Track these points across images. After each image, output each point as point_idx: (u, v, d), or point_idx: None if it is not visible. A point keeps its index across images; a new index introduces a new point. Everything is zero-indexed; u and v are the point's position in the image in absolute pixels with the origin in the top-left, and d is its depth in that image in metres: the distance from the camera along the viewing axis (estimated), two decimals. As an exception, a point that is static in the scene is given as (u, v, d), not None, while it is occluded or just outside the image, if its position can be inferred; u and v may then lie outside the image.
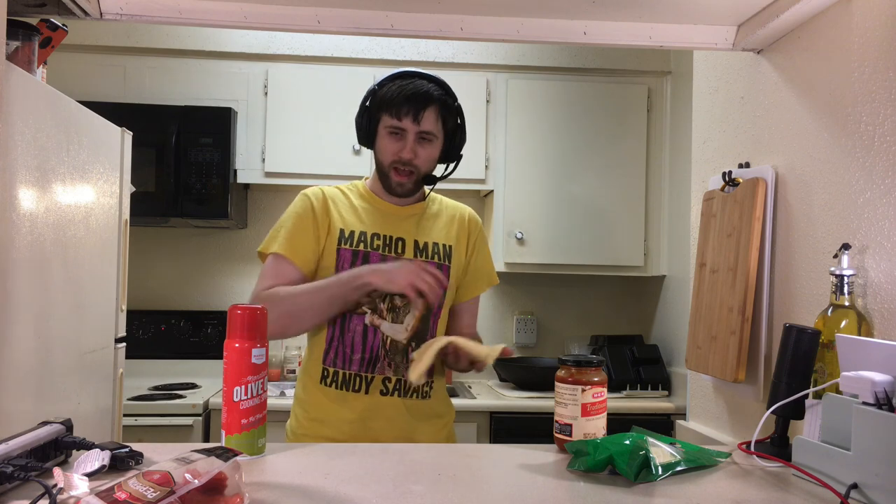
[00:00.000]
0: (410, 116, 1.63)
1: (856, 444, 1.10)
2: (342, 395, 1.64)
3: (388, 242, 1.68)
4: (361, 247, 1.66)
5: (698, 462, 1.29)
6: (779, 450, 1.36)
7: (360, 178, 1.83)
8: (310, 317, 1.62)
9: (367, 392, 1.64)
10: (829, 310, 1.37)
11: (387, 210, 1.72)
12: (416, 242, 1.70)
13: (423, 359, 1.55)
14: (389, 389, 1.65)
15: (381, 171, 1.70)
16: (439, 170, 1.76)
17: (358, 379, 1.64)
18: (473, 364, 1.61)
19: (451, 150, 1.74)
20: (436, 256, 1.72)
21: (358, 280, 1.57)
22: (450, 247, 1.75)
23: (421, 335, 1.67)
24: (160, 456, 1.18)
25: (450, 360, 1.64)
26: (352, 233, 1.67)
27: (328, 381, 1.66)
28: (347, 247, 1.65)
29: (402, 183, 1.68)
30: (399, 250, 1.68)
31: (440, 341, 1.57)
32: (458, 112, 1.73)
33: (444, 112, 1.68)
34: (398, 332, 1.65)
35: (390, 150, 1.66)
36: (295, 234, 1.65)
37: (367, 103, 1.69)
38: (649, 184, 3.31)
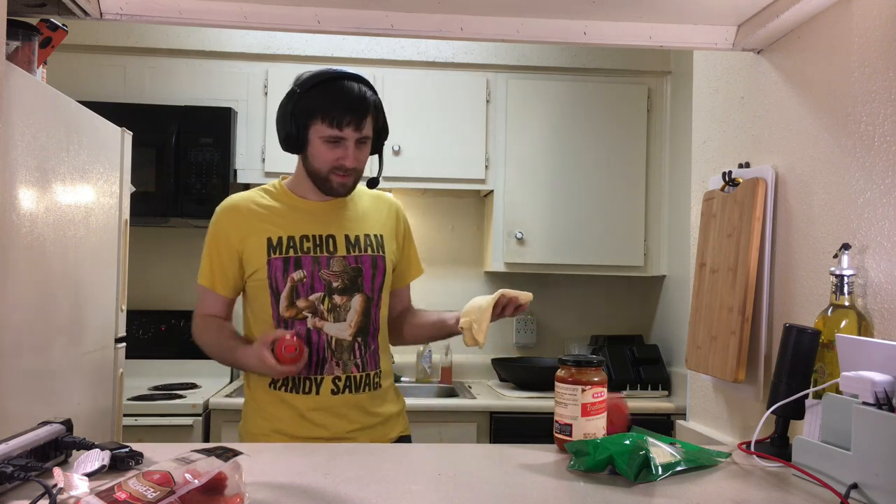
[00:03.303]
0: (352, 126, 1.60)
1: (856, 444, 1.10)
2: (292, 397, 1.65)
3: (318, 242, 1.67)
4: (291, 253, 1.64)
5: (698, 462, 1.29)
6: (779, 450, 1.36)
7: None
8: (223, 363, 1.76)
9: (317, 393, 1.64)
10: (829, 310, 1.37)
11: (311, 209, 1.71)
12: (346, 237, 1.69)
13: (483, 318, 1.63)
14: (340, 388, 1.65)
15: (319, 177, 1.66)
16: (371, 168, 1.77)
17: (307, 381, 1.64)
18: (518, 308, 1.69)
19: (378, 145, 1.73)
20: (369, 248, 1.71)
21: (240, 365, 1.67)
22: (381, 236, 1.74)
23: (364, 329, 1.68)
24: (160, 456, 1.18)
25: (507, 311, 1.68)
26: (280, 239, 1.65)
27: (278, 384, 1.66)
28: (277, 255, 1.64)
29: (344, 184, 1.67)
30: (330, 248, 1.67)
31: (490, 298, 1.66)
32: (382, 107, 1.71)
33: (376, 113, 1.67)
34: (341, 329, 1.66)
35: (329, 158, 1.63)
36: (212, 263, 1.70)
37: (292, 109, 1.62)
38: (649, 184, 3.31)
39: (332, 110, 1.59)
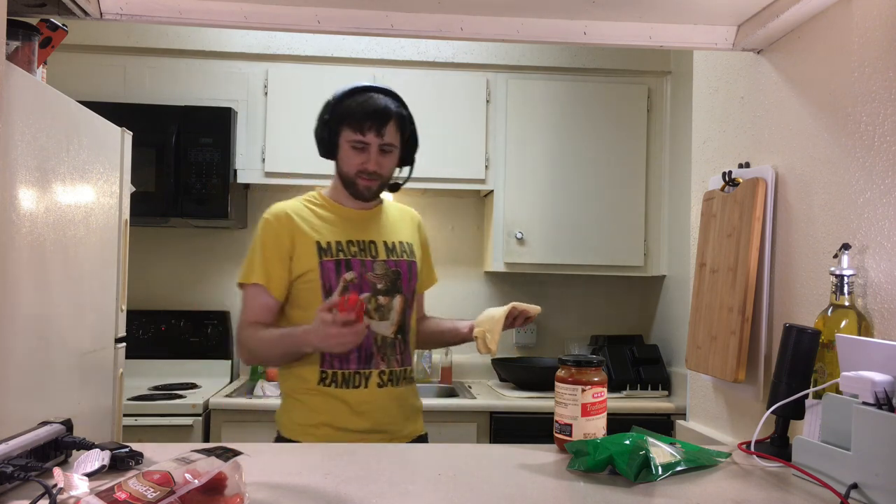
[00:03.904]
0: (374, 131, 1.73)
1: (856, 444, 1.10)
2: (343, 392, 1.73)
3: (362, 247, 1.79)
4: (341, 255, 1.75)
5: (698, 462, 1.29)
6: (779, 450, 1.36)
7: None
8: (273, 361, 1.93)
9: (366, 386, 1.74)
10: (829, 310, 1.37)
11: (351, 216, 1.82)
12: (385, 243, 1.82)
13: (496, 328, 1.77)
14: (384, 381, 1.76)
15: (347, 180, 1.79)
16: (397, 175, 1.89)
17: (357, 376, 1.74)
18: (527, 320, 1.85)
19: (407, 155, 1.85)
20: (404, 254, 1.84)
21: (300, 346, 1.68)
22: (411, 244, 1.89)
23: (403, 328, 1.81)
24: (160, 456, 1.19)
25: (518, 322, 1.84)
26: (328, 244, 1.76)
27: (327, 381, 1.74)
28: (329, 258, 1.74)
29: (369, 187, 1.79)
30: (373, 253, 1.79)
31: (502, 310, 1.80)
32: (412, 121, 1.83)
33: (401, 124, 1.78)
34: (386, 328, 1.77)
35: (355, 163, 1.76)
36: (268, 263, 1.76)
37: (327, 117, 1.77)
38: (649, 184, 3.31)
39: (355, 116, 1.73)
